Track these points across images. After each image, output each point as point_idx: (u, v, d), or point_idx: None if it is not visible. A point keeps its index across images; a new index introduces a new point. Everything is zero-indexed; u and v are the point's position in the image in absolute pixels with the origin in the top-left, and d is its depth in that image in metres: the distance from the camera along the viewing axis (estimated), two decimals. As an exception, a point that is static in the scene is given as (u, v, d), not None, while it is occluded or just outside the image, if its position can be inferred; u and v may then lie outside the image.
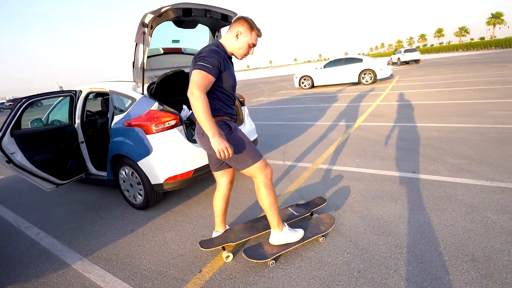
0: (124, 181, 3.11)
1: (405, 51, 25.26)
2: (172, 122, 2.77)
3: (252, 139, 3.66)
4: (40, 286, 2.12)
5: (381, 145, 4.28)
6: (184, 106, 3.56)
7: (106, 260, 2.32)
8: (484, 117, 5.11)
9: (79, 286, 2.06)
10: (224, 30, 3.59)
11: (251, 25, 1.84)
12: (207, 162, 2.84)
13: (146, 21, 2.55)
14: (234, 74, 1.94)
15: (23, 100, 2.85)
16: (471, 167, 3.14)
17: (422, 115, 5.81)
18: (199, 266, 2.10)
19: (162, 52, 3.30)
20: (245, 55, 1.94)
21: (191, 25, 3.14)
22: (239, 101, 3.75)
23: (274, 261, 2.00)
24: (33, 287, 2.11)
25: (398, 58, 25.35)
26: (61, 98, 3.69)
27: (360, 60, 12.80)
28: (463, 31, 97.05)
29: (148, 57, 3.11)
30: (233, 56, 1.95)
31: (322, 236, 2.18)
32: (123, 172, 3.05)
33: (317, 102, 9.53)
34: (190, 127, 3.40)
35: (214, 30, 3.45)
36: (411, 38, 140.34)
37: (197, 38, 3.47)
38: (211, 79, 1.70)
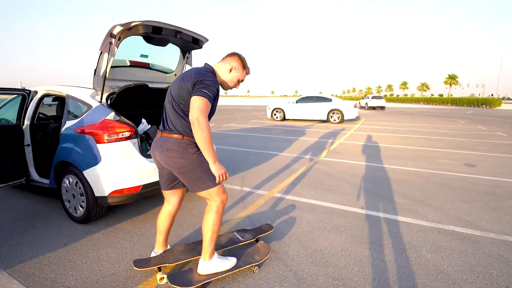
0: (66, 191, 2.91)
1: (372, 97, 27.35)
2: (127, 134, 2.70)
3: None
4: None
5: (337, 180, 4.45)
6: (143, 120, 3.50)
7: (27, 274, 2.09)
8: (432, 163, 5.54)
9: (-14, 303, 1.82)
10: (194, 53, 3.68)
11: (244, 63, 1.97)
12: (155, 179, 2.79)
13: (115, 32, 2.57)
14: (216, 105, 1.96)
15: None
16: (414, 207, 3.33)
17: (379, 156, 6.18)
18: (129, 287, 1.96)
19: (128, 64, 3.28)
20: (231, 88, 2.04)
21: (162, 43, 3.19)
22: None
23: None
24: None
25: (366, 103, 27.28)
26: (14, 96, 3.48)
27: (329, 100, 13.60)
28: (424, 86, 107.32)
29: (113, 67, 3.08)
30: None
31: (256, 265, 2.13)
32: (67, 181, 2.86)
33: (286, 134, 9.81)
34: (146, 141, 3.32)
35: (185, 52, 3.53)
36: (379, 87, 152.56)
37: (167, 56, 3.52)
38: (210, 107, 1.76)
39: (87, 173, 2.64)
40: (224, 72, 1.95)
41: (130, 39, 2.92)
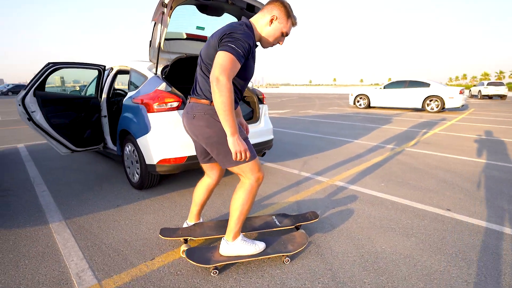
0: (127, 158, 3.12)
1: (488, 84, 22.09)
2: (175, 104, 2.69)
3: (265, 139, 3.40)
4: (13, 235, 2.16)
5: (421, 174, 3.63)
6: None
7: (78, 226, 2.29)
8: None
9: (42, 244, 2.04)
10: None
11: (288, 11, 1.58)
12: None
13: (166, 1, 2.52)
14: (253, 66, 1.67)
15: (50, 64, 3.06)
16: (530, 219, 2.40)
17: (486, 151, 4.85)
18: (154, 254, 1.91)
19: (184, 37, 3.26)
20: (273, 44, 1.66)
21: (216, 12, 3.04)
22: (258, 98, 3.53)
23: (217, 271, 1.69)
24: (7, 234, 2.17)
25: (479, 91, 22.34)
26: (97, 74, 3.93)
27: (426, 85, 11.52)
28: None
29: (169, 39, 3.11)
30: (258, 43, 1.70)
31: (287, 256, 1.81)
32: (127, 148, 3.06)
33: (367, 121, 8.78)
34: None
35: None
36: (501, 72, 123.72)
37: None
38: (238, 67, 1.45)
39: (140, 141, 2.75)
40: (264, 25, 1.59)
41: (185, 10, 2.86)
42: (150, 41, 2.79)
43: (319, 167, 3.96)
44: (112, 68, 3.70)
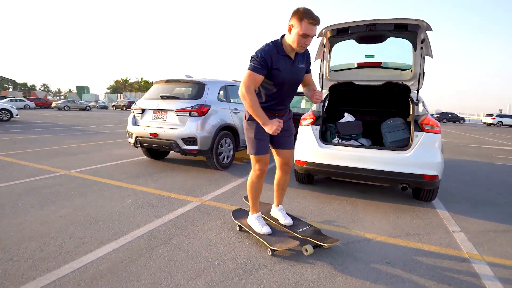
0: None
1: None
2: (309, 121, 3.44)
3: (404, 171, 2.93)
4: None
5: None
6: (346, 114, 3.91)
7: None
8: None
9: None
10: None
11: (300, 15, 1.81)
12: (325, 162, 3.25)
13: (324, 42, 3.45)
14: (287, 71, 1.98)
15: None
16: None
17: None
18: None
19: (355, 66, 3.85)
20: (302, 46, 1.92)
21: (376, 39, 3.48)
22: (416, 123, 3.05)
23: (239, 228, 2.45)
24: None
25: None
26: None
27: None
28: None
29: (339, 70, 3.89)
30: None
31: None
32: None
33: None
34: (333, 131, 3.83)
35: (414, 43, 3.37)
36: None
37: (397, 51, 3.61)
38: (258, 78, 1.91)
39: None
40: (287, 34, 1.93)
41: (349, 44, 3.59)
42: (319, 74, 3.68)
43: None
44: None
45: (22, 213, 2.67)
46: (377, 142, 3.89)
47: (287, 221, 2.41)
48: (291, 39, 1.91)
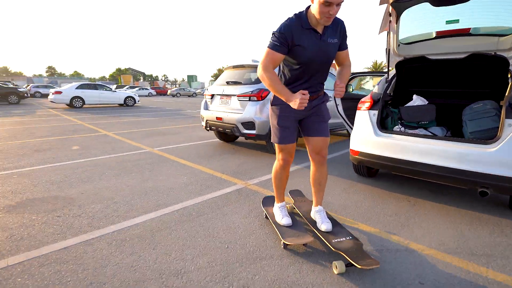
0: None
1: None
2: (367, 105, 2.98)
3: (487, 171, 2.27)
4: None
5: None
6: (414, 96, 3.18)
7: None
8: None
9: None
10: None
11: None
12: (381, 153, 2.74)
13: (389, 10, 2.84)
14: (313, 47, 1.76)
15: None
16: None
17: None
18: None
19: (433, 36, 3.08)
20: (327, 17, 1.66)
21: None
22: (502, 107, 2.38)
23: (264, 215, 2.45)
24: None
25: None
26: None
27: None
28: None
29: (414, 42, 3.18)
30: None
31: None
32: None
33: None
34: (394, 117, 3.13)
35: None
36: None
37: (492, 11, 2.79)
38: (277, 56, 1.72)
39: None
40: (312, 5, 1.69)
41: (423, 9, 2.88)
42: (386, 49, 3.19)
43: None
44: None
45: (105, 180, 3.32)
46: (457, 133, 3.05)
47: (324, 226, 2.04)
48: (314, 9, 1.67)
